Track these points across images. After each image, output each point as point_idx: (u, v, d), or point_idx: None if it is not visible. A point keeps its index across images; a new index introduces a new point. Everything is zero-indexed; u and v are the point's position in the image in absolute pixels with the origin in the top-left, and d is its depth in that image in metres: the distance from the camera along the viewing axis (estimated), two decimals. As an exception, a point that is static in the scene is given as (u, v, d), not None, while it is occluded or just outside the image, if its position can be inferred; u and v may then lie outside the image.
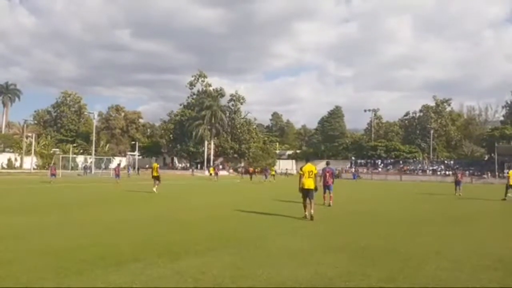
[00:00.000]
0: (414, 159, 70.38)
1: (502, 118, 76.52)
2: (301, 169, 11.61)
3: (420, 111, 77.49)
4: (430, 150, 72.22)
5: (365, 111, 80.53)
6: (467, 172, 58.52)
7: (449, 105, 78.39)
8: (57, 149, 67.94)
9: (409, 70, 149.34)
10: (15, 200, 16.32)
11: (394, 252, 6.83)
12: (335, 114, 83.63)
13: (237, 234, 8.56)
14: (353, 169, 69.52)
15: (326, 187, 15.67)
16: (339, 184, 37.73)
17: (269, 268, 5.52)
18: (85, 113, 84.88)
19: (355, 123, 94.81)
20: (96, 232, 8.38)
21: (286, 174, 65.71)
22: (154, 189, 20.24)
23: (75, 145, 74.98)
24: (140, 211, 12.74)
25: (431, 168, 65.34)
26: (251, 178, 44.05)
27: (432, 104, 77.36)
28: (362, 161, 73.56)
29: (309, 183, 11.14)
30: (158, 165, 22.67)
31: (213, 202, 16.87)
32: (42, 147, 68.31)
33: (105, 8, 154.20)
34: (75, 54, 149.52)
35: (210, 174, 46.59)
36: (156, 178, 21.02)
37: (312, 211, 11.00)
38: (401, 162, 69.81)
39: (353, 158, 75.08)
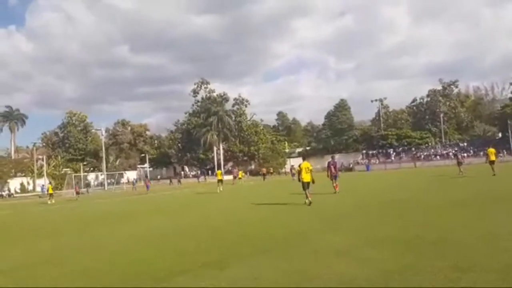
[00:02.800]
0: (427, 145, 69.47)
1: (511, 95, 75.38)
2: (299, 166, 14.34)
3: (428, 95, 76.52)
4: (442, 134, 71.31)
5: (372, 101, 79.88)
6: (481, 153, 57.68)
7: (456, 87, 77.37)
8: (68, 169, 68.18)
9: (409, 57, 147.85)
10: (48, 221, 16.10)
11: (446, 240, 6.37)
12: (341, 107, 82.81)
13: (272, 234, 8.14)
14: (366, 161, 69.00)
15: (334, 177, 18.12)
16: (355, 177, 37.36)
17: (325, 268, 5.14)
18: (92, 130, 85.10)
19: (360, 114, 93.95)
20: (132, 247, 8.06)
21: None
22: (219, 189, 26.04)
23: (85, 163, 75.23)
24: (170, 221, 12.48)
25: (444, 152, 64.47)
26: (264, 178, 43.75)
27: (439, 87, 76.41)
28: (374, 151, 72.82)
29: (306, 177, 13.71)
30: (222, 172, 31.90)
31: (237, 205, 16.56)
32: (53, 168, 68.52)
33: (101, 26, 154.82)
34: (75, 75, 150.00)
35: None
36: (220, 181, 28.02)
37: (310, 198, 13.36)
38: (413, 149, 68.95)
39: (363, 151, 74.35)
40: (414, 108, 79.37)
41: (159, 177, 78.75)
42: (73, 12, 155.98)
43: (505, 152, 55.93)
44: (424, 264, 4.98)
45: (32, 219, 18.78)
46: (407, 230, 7.50)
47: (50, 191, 32.01)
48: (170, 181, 58.67)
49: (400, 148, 70.30)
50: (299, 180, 14.01)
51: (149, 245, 8.19)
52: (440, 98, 74.13)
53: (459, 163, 27.42)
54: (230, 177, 44.60)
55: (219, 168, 71.80)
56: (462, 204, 10.82)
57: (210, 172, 74.86)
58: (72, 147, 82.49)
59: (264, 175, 45.95)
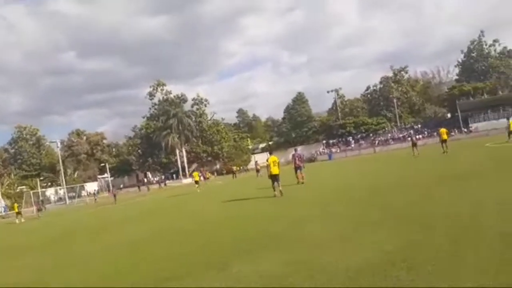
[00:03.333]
0: (383, 130, 72.02)
1: (456, 77, 79.60)
2: (267, 160, 14.77)
3: (380, 82, 79.32)
4: (397, 119, 74.18)
5: (328, 92, 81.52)
6: (435, 133, 60.56)
7: (406, 72, 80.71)
8: (24, 187, 64.65)
9: (360, 47, 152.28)
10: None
11: (432, 216, 6.64)
12: (299, 100, 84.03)
13: (262, 230, 8.06)
14: (327, 150, 70.55)
15: (297, 168, 18.39)
16: (319, 167, 38.07)
17: (331, 257, 5.14)
18: (46, 144, 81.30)
19: (317, 106, 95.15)
20: (122, 254, 7.79)
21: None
22: (198, 190, 27.50)
23: (41, 178, 71.77)
24: (152, 226, 12.22)
25: (401, 135, 67.09)
26: (234, 176, 43.75)
27: (390, 74, 79.42)
28: (334, 141, 74.60)
29: (275, 170, 14.08)
30: (198, 173, 34.64)
31: (218, 204, 16.38)
32: (7, 187, 64.69)
33: (44, 33, 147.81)
34: (20, 86, 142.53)
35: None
36: (197, 182, 30.62)
37: (280, 188, 13.85)
38: (371, 135, 71.28)
39: (324, 141, 76.04)
40: (369, 95, 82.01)
41: (121, 186, 76.51)
42: (13, 19, 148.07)
43: (456, 131, 59.05)
44: (423, 240, 5.17)
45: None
46: (390, 212, 7.72)
47: (16, 210, 30.86)
48: (139, 188, 57.73)
49: (359, 135, 72.48)
50: (269, 176, 14.33)
51: (142, 251, 7.93)
52: (392, 84, 77.06)
53: (414, 144, 29.07)
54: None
55: (183, 170, 71.11)
56: (438, 182, 11.30)
57: (174, 176, 73.62)
58: (25, 163, 78.46)
59: (234, 173, 46.03)
